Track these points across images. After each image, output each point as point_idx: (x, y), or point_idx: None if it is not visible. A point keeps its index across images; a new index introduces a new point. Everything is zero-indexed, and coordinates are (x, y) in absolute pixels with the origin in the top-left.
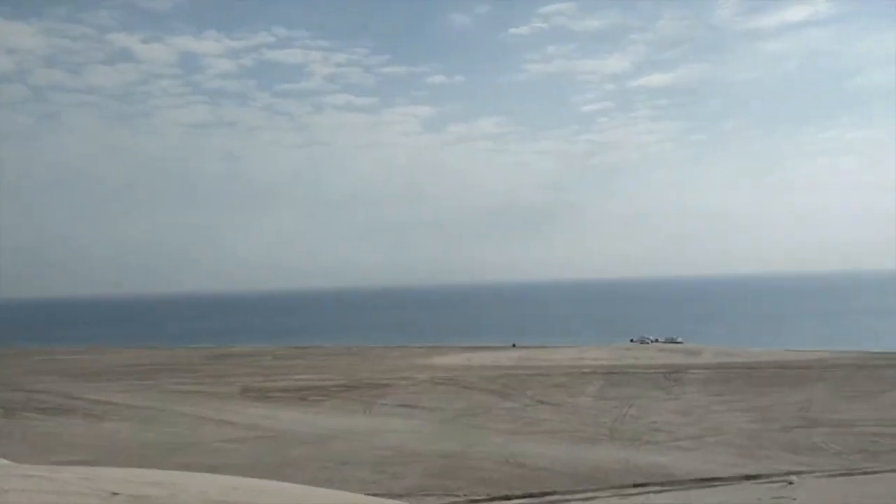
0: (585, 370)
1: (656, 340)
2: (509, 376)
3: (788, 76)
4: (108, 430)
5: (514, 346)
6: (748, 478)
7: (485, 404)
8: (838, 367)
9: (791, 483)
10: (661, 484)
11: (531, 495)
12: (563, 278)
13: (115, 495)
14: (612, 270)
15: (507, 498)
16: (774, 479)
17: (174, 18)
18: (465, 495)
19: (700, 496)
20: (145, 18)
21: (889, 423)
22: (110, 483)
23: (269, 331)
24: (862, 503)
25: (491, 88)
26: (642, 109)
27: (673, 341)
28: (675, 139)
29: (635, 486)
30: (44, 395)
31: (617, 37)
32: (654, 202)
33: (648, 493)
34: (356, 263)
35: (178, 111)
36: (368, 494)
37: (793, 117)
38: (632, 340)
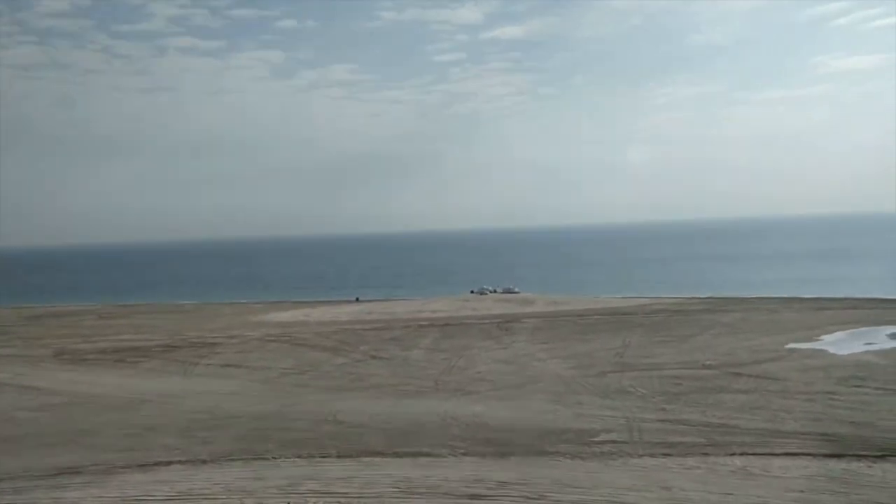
0: (423, 323)
1: (495, 291)
2: (346, 331)
3: (632, 33)
4: None
5: (357, 300)
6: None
7: (315, 361)
8: (658, 313)
9: None
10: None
11: (345, 455)
12: (418, 229)
13: None
14: (465, 221)
15: (315, 457)
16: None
17: None
18: (274, 458)
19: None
20: None
21: (691, 366)
22: None
23: (98, 288)
24: None
25: (344, 34)
26: (495, 62)
27: (510, 291)
28: (528, 92)
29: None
30: None
31: None
32: (505, 154)
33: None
34: (203, 215)
35: (4, 52)
36: (172, 461)
37: (636, 72)
38: (472, 292)
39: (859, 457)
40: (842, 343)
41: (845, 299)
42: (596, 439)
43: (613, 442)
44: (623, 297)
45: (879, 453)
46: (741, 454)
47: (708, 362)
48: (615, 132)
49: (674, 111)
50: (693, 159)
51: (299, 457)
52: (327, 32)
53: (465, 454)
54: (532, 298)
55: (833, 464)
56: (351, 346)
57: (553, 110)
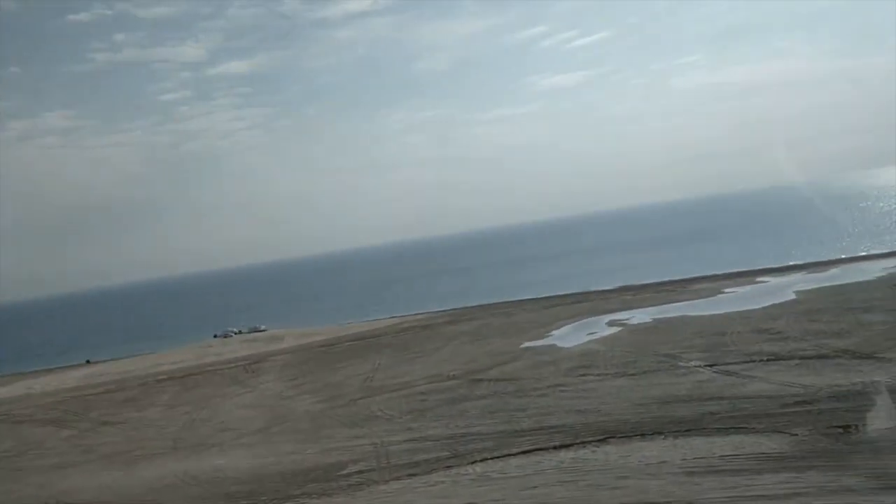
0: (161, 377)
1: (240, 332)
2: (74, 399)
3: (359, 62)
4: None
5: (88, 362)
6: None
7: (36, 439)
8: (406, 331)
9: None
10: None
11: None
12: (153, 277)
13: None
14: (206, 262)
15: None
16: None
17: None
18: None
19: None
20: None
21: (437, 379)
22: None
23: None
24: None
25: (53, 80)
26: (224, 97)
27: (257, 330)
28: (262, 125)
29: None
30: None
31: (188, 24)
32: (245, 189)
33: None
34: None
35: None
36: None
37: (368, 100)
38: (215, 336)
39: (585, 443)
40: (569, 336)
41: (571, 294)
42: (343, 472)
43: (361, 472)
44: (373, 321)
45: (602, 437)
46: (481, 461)
47: (452, 373)
48: (356, 159)
49: (411, 135)
50: (435, 179)
51: None
52: (33, 78)
53: None
54: (280, 335)
55: (563, 454)
56: (78, 415)
57: (291, 142)
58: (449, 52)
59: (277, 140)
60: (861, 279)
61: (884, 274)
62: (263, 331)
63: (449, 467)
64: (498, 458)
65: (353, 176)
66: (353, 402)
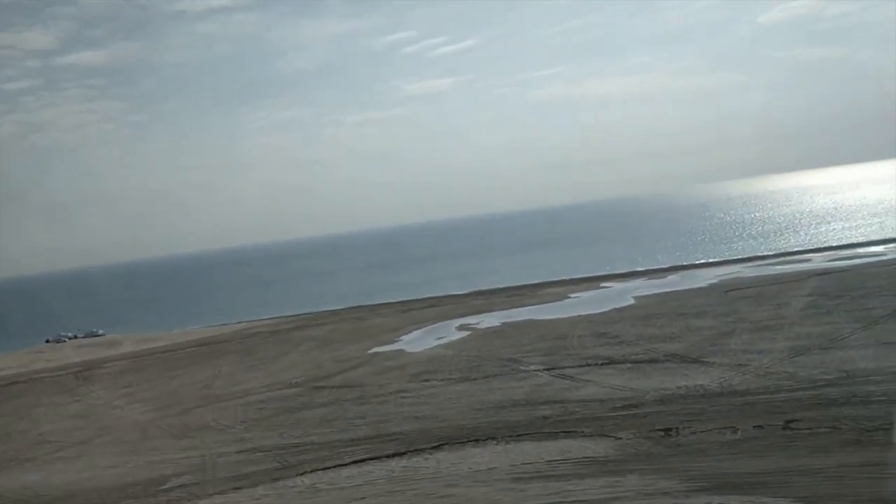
0: None
1: (75, 337)
2: None
3: (221, 58)
4: None
5: None
6: None
7: None
8: (253, 337)
9: None
10: None
11: None
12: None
13: None
14: (52, 262)
15: None
16: None
17: None
18: None
19: None
20: None
21: (278, 387)
22: None
23: None
24: None
25: None
26: (76, 89)
27: (93, 334)
28: (116, 119)
29: None
30: None
31: (35, 9)
32: (96, 185)
33: None
34: None
35: None
36: None
37: (229, 97)
38: (47, 341)
39: (419, 451)
40: (418, 341)
41: (426, 299)
42: (164, 487)
43: (183, 486)
44: (221, 325)
45: (437, 443)
46: (311, 472)
47: (295, 380)
48: (216, 157)
49: (271, 135)
50: (298, 181)
51: None
52: None
53: None
54: (119, 340)
55: (395, 463)
56: None
57: (146, 138)
58: (314, 53)
59: (132, 135)
60: (695, 286)
61: (716, 281)
62: (101, 335)
63: (276, 479)
64: (330, 468)
65: (213, 175)
66: (186, 412)
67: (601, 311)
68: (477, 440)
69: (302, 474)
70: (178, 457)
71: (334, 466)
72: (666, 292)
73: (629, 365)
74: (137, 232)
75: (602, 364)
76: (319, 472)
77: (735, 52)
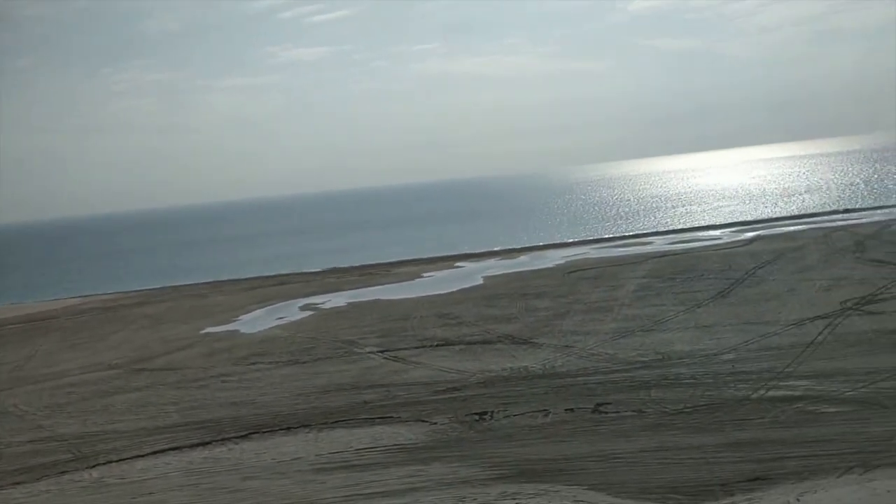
0: None
1: None
2: None
3: (81, 15)
4: None
5: None
6: None
7: None
8: (86, 313)
9: None
10: None
11: None
12: None
13: None
14: None
15: None
16: None
17: None
18: None
19: None
20: None
21: (96, 369)
22: None
23: None
24: None
25: None
26: None
27: None
28: None
29: None
30: None
31: None
32: None
33: None
34: None
35: None
36: None
37: (89, 57)
38: None
39: (225, 440)
40: (257, 321)
41: (275, 276)
42: None
43: None
44: (59, 299)
45: (246, 432)
46: (105, 464)
47: (115, 361)
48: (74, 120)
49: (136, 98)
50: (162, 146)
51: None
52: None
53: None
54: None
55: (197, 453)
56: None
57: None
58: (182, 13)
59: None
60: (542, 266)
61: (562, 262)
62: None
63: (63, 472)
64: (125, 460)
65: (70, 139)
66: None
67: (449, 291)
68: (289, 428)
69: (93, 467)
70: None
71: (131, 458)
72: (514, 273)
73: (462, 346)
74: None
75: (437, 346)
76: (113, 464)
77: (607, 37)
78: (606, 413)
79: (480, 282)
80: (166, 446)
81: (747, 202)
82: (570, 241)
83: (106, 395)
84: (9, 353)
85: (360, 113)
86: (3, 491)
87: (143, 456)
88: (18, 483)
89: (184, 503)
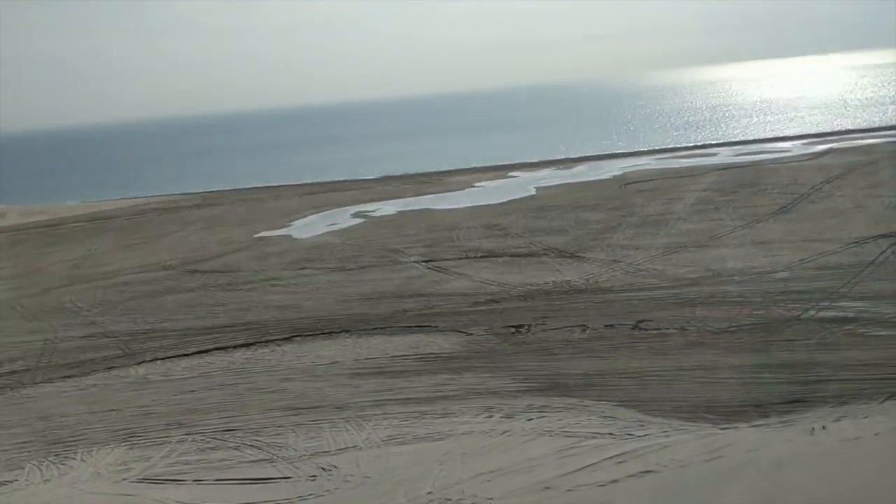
0: None
1: None
2: None
3: None
4: None
5: None
6: None
7: None
8: (145, 214)
9: None
10: None
11: None
12: None
13: None
14: None
15: None
16: None
17: None
18: None
19: None
20: None
21: (151, 269)
22: None
23: None
24: None
25: None
26: None
27: None
28: None
29: None
30: None
31: None
32: (14, 48)
33: None
34: None
35: None
36: None
37: None
38: None
39: (268, 342)
40: (309, 226)
41: (332, 182)
42: None
43: (13, 373)
44: (116, 199)
45: (289, 335)
46: (151, 361)
47: (169, 262)
48: (122, 23)
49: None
50: (218, 51)
51: None
52: None
53: None
54: (3, 211)
55: (240, 354)
56: None
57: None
58: None
59: None
60: (598, 178)
61: (620, 173)
62: None
63: (111, 368)
64: (171, 357)
65: (119, 42)
66: (45, 292)
67: (499, 201)
68: (330, 333)
69: (139, 364)
70: (20, 340)
71: (176, 356)
72: (568, 184)
73: (506, 259)
74: (39, 99)
75: (481, 257)
76: (158, 361)
77: None
78: (647, 330)
79: (532, 192)
80: (211, 346)
81: (825, 113)
82: (631, 151)
83: (158, 295)
84: (68, 251)
85: (416, 13)
86: (54, 384)
87: (188, 355)
88: (68, 377)
89: (219, 402)
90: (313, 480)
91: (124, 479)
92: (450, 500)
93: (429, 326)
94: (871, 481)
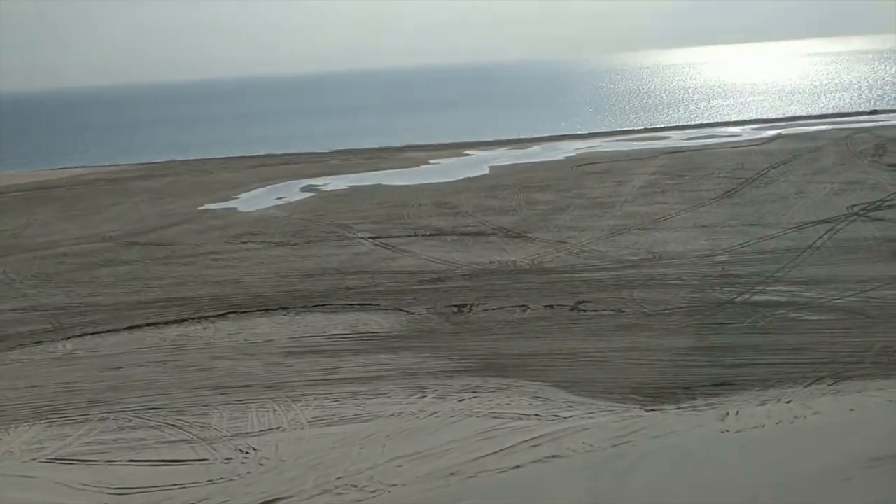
0: None
1: None
2: None
3: None
4: None
5: None
6: None
7: None
8: (88, 184)
9: None
10: None
11: None
12: None
13: None
14: None
15: None
16: None
17: None
18: None
19: None
20: None
21: (90, 240)
22: None
23: None
24: None
25: None
26: None
27: None
28: None
29: None
30: None
31: None
32: None
33: None
34: None
35: None
36: None
37: None
38: None
39: (203, 318)
40: (255, 200)
41: (282, 155)
42: None
43: None
44: (60, 169)
45: (223, 311)
46: (80, 336)
47: (109, 234)
48: None
49: None
50: (195, 19)
51: None
52: None
53: None
54: None
55: (172, 330)
56: None
57: None
58: None
59: None
60: (551, 158)
61: (573, 154)
62: None
63: (39, 342)
64: (101, 333)
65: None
66: None
67: (452, 179)
68: (267, 309)
69: (68, 339)
70: None
71: (106, 332)
72: (522, 164)
73: (455, 237)
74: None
75: (429, 235)
76: (88, 336)
77: None
78: (585, 311)
79: (486, 171)
80: (143, 322)
81: (778, 99)
82: (585, 132)
83: (94, 268)
84: (7, 221)
85: None
86: None
87: (118, 331)
88: None
89: (146, 380)
90: (227, 464)
91: (34, 459)
92: (355, 486)
93: (370, 305)
94: (757, 472)
